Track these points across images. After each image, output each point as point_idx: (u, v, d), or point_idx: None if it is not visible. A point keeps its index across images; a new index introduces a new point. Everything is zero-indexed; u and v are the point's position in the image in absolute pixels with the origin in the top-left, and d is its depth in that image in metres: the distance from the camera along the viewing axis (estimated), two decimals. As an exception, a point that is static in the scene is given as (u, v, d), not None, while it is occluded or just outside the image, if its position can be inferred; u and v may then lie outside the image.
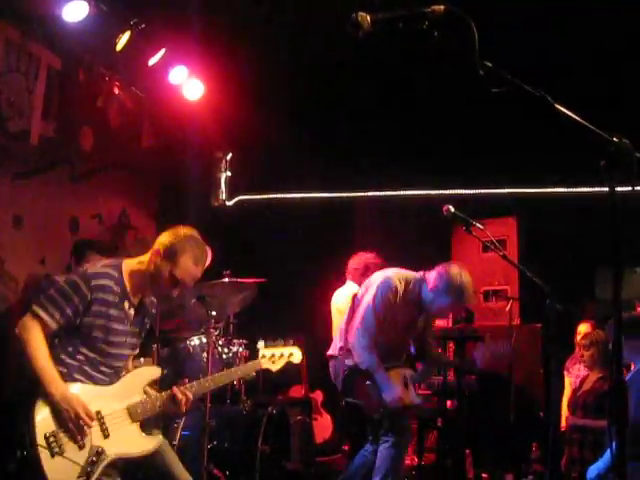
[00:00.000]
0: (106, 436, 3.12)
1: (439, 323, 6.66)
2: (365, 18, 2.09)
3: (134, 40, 5.95)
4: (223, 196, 7.28)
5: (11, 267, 5.59)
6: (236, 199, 7.45)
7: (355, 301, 4.95)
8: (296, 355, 3.94)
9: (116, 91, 6.65)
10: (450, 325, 7.14)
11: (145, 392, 3.33)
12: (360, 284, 6.12)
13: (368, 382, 4.66)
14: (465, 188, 7.35)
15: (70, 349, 3.15)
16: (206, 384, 3.52)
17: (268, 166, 7.45)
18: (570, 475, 5.10)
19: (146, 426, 3.30)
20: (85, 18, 5.50)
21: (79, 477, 2.99)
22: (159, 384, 3.46)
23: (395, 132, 7.41)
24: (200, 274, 3.36)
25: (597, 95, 6.18)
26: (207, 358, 4.64)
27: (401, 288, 4.73)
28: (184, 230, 3.35)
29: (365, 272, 6.13)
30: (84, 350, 3.17)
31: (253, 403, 5.29)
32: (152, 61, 6.26)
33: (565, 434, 5.31)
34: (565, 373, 6.13)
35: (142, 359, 4.70)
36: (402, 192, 7.68)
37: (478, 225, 4.57)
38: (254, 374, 5.29)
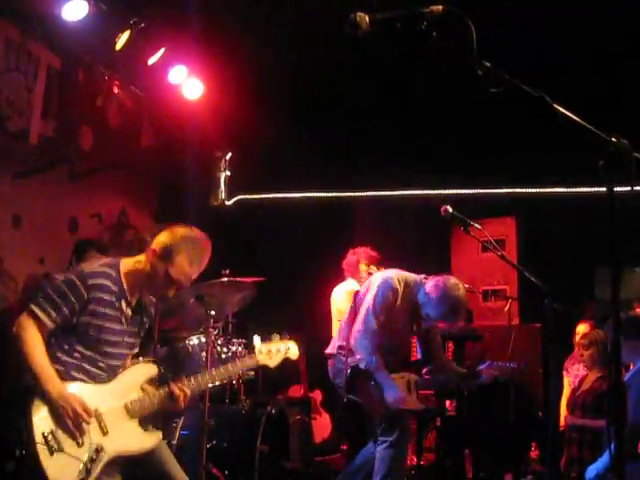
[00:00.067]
0: (105, 433, 3.12)
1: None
2: (364, 18, 2.09)
3: (134, 39, 5.95)
4: (222, 196, 7.28)
5: (10, 266, 5.59)
6: (235, 199, 7.45)
7: (357, 300, 4.96)
8: (293, 350, 3.88)
9: (116, 90, 6.65)
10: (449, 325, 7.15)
11: (143, 389, 3.33)
12: (356, 278, 6.19)
13: (372, 382, 4.66)
14: (464, 188, 7.35)
15: (67, 347, 3.15)
16: (204, 381, 3.52)
17: (267, 166, 7.45)
18: (569, 475, 5.11)
19: (145, 423, 3.30)
20: (85, 17, 5.50)
21: (79, 475, 3.00)
22: (158, 382, 3.45)
23: (394, 132, 7.42)
24: (196, 274, 3.36)
25: (596, 95, 6.18)
26: (206, 358, 4.64)
27: (401, 289, 4.76)
28: (182, 230, 3.35)
29: (358, 266, 6.18)
30: (81, 348, 3.17)
31: (252, 403, 5.29)
32: (152, 60, 6.26)
33: (564, 434, 5.31)
34: (564, 373, 6.14)
35: (141, 358, 4.69)
36: (401, 192, 7.68)
37: (476, 225, 4.58)
38: (252, 373, 5.33)
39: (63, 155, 6.29)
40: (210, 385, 3.68)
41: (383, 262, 6.16)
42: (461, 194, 7.22)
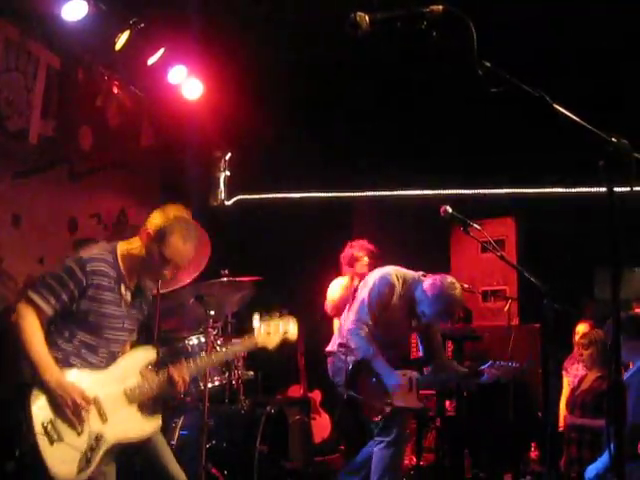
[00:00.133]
0: (104, 421, 3.12)
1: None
2: (364, 18, 2.09)
3: (133, 39, 5.94)
4: (222, 196, 7.28)
5: (10, 266, 5.58)
6: (235, 199, 7.45)
7: (355, 296, 5.01)
8: (292, 330, 3.84)
9: (115, 90, 6.65)
10: (449, 325, 7.15)
11: (142, 374, 3.32)
12: (352, 270, 6.22)
13: (373, 379, 4.67)
14: (463, 188, 7.35)
15: (66, 334, 3.16)
16: (202, 364, 3.53)
17: (267, 166, 7.45)
18: (569, 475, 5.11)
19: (144, 408, 3.30)
20: (84, 17, 5.49)
21: (79, 464, 3.00)
22: (157, 367, 3.42)
23: (393, 132, 7.42)
24: (191, 253, 3.35)
25: (596, 95, 6.18)
26: (206, 358, 4.64)
27: (399, 285, 4.81)
28: (173, 210, 3.37)
29: (353, 258, 6.21)
30: (80, 334, 3.17)
31: (251, 403, 5.28)
32: (151, 60, 6.26)
33: (563, 434, 5.31)
34: (563, 373, 6.14)
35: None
36: (400, 192, 7.68)
37: (475, 226, 4.59)
38: (252, 373, 5.32)
39: (63, 155, 6.28)
40: (210, 385, 3.68)
41: (380, 255, 6.19)
42: (461, 194, 7.22)
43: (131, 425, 3.23)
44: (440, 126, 7.23)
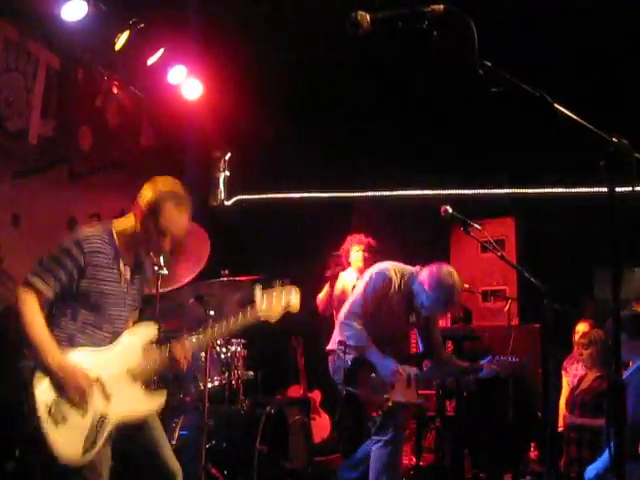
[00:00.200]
0: (108, 400, 3.12)
1: (438, 323, 6.67)
2: (365, 17, 2.09)
3: (133, 39, 5.94)
4: (222, 196, 7.28)
5: (9, 266, 5.58)
6: (235, 199, 7.45)
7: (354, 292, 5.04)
8: (294, 300, 3.75)
9: (115, 90, 6.64)
10: (448, 325, 7.15)
11: (143, 352, 3.32)
12: (349, 263, 6.26)
13: (373, 375, 4.67)
14: (463, 188, 7.36)
15: (69, 314, 3.16)
16: (204, 338, 3.51)
17: (267, 166, 7.45)
18: (569, 475, 5.11)
19: (148, 385, 3.32)
20: (84, 17, 5.49)
21: (84, 445, 3.01)
22: (158, 343, 3.41)
23: (394, 132, 7.42)
24: (186, 222, 3.36)
25: (596, 95, 6.18)
26: (205, 358, 4.64)
27: (396, 279, 4.81)
28: (162, 181, 3.36)
29: (350, 251, 6.26)
30: (83, 313, 3.18)
31: (251, 403, 5.28)
32: (151, 61, 6.26)
33: (563, 434, 5.32)
34: (563, 373, 6.14)
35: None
36: (400, 192, 7.68)
37: (476, 226, 4.59)
38: (252, 373, 5.32)
39: (62, 155, 6.28)
40: (210, 385, 3.66)
41: (378, 250, 6.21)
42: (461, 194, 7.23)
43: (135, 403, 3.24)
44: (440, 126, 7.23)
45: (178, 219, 3.31)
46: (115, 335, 3.28)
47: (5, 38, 5.47)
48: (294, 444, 5.56)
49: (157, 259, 3.53)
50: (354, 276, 6.20)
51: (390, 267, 4.88)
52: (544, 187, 7.32)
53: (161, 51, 6.24)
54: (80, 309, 3.17)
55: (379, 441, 4.67)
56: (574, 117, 2.07)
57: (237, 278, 5.06)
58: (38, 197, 5.96)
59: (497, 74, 2.06)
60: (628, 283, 6.66)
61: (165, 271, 4.22)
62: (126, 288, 3.31)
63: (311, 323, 6.77)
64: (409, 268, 4.91)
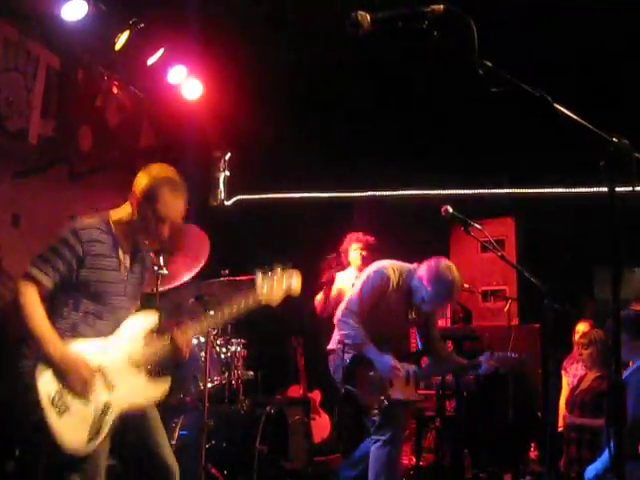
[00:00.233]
0: (111, 389, 3.13)
1: (438, 323, 6.66)
2: (365, 17, 2.09)
3: (133, 39, 5.94)
4: (222, 196, 7.28)
5: (9, 266, 5.58)
6: (235, 199, 7.45)
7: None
8: (295, 284, 3.73)
9: (115, 90, 6.64)
10: (448, 325, 7.15)
11: (145, 340, 3.32)
12: (348, 262, 6.27)
13: (371, 373, 4.67)
14: (463, 188, 7.36)
15: (71, 304, 3.17)
16: (205, 323, 3.51)
17: (267, 166, 7.45)
18: (569, 475, 5.11)
19: (151, 373, 3.32)
20: (84, 17, 5.49)
21: (89, 434, 3.01)
22: (159, 331, 3.41)
23: (394, 132, 7.41)
24: (182, 206, 3.36)
25: (596, 95, 6.18)
26: (205, 358, 4.65)
27: (395, 277, 4.81)
28: (156, 169, 3.37)
29: (348, 249, 6.27)
30: (85, 303, 3.18)
31: (251, 403, 5.29)
32: (151, 60, 6.26)
33: (563, 434, 5.32)
34: (562, 373, 6.14)
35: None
36: (400, 192, 7.68)
37: (476, 225, 4.60)
38: (251, 373, 5.33)
39: (62, 155, 6.28)
40: (210, 385, 3.65)
41: (377, 248, 6.21)
42: (461, 194, 7.23)
43: (139, 391, 3.24)
44: (440, 126, 7.23)
45: (175, 204, 3.31)
46: (117, 324, 3.28)
47: (5, 38, 5.47)
48: (294, 444, 5.57)
49: (157, 259, 3.53)
50: (353, 275, 6.21)
51: (388, 265, 4.88)
52: (544, 187, 7.32)
53: (161, 51, 6.24)
54: (82, 299, 3.17)
55: (378, 441, 4.67)
56: (574, 117, 2.08)
57: (237, 278, 5.06)
58: (38, 197, 5.96)
59: (497, 74, 2.06)
60: (628, 283, 6.66)
61: (165, 271, 4.24)
62: (126, 276, 3.31)
63: (311, 323, 6.77)
64: (407, 265, 4.92)
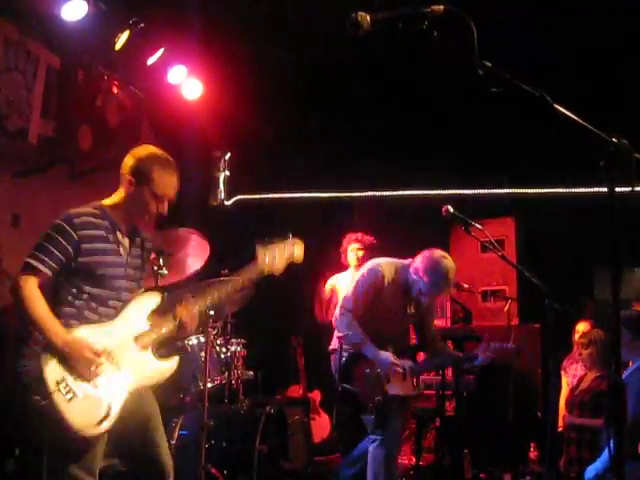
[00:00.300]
0: (118, 371, 3.14)
1: (437, 323, 6.66)
2: (365, 18, 2.09)
3: (133, 39, 5.94)
4: (222, 196, 7.28)
5: (9, 266, 5.58)
6: (235, 199, 7.44)
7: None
8: (297, 252, 3.71)
9: (115, 90, 6.64)
10: (448, 325, 7.15)
11: (149, 319, 3.32)
12: (347, 262, 6.28)
13: (367, 370, 4.68)
14: (464, 188, 7.35)
15: (74, 290, 3.17)
16: (209, 297, 3.49)
17: (266, 166, 7.45)
18: (569, 475, 5.11)
19: (158, 351, 3.33)
20: (84, 17, 5.49)
21: (100, 416, 3.02)
22: (163, 310, 3.41)
23: (394, 132, 7.41)
24: (175, 180, 3.35)
25: (596, 95, 6.18)
26: (205, 358, 4.64)
27: (389, 274, 4.83)
28: (140, 149, 3.38)
29: (347, 250, 6.28)
30: (88, 288, 3.18)
31: (251, 403, 5.28)
32: (151, 60, 6.26)
33: (563, 434, 5.32)
34: (562, 372, 6.14)
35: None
36: (400, 192, 7.68)
37: (477, 225, 4.60)
38: (251, 373, 5.33)
39: (62, 155, 6.28)
40: (210, 384, 3.65)
41: (376, 247, 6.22)
42: (461, 194, 7.23)
43: (146, 370, 3.25)
44: (440, 126, 7.23)
45: (169, 180, 3.32)
46: (121, 307, 3.29)
47: (5, 37, 5.47)
48: (294, 444, 5.57)
49: (157, 260, 3.53)
50: (350, 276, 6.20)
51: (382, 262, 4.92)
52: (544, 187, 7.32)
53: (161, 51, 6.25)
54: (83, 285, 3.18)
55: (376, 440, 4.68)
56: (574, 117, 2.08)
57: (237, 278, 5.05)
58: (38, 197, 5.97)
59: (497, 74, 2.06)
60: (628, 283, 6.66)
61: (165, 271, 4.24)
62: (126, 258, 3.32)
63: (311, 323, 6.77)
64: (401, 261, 4.95)
